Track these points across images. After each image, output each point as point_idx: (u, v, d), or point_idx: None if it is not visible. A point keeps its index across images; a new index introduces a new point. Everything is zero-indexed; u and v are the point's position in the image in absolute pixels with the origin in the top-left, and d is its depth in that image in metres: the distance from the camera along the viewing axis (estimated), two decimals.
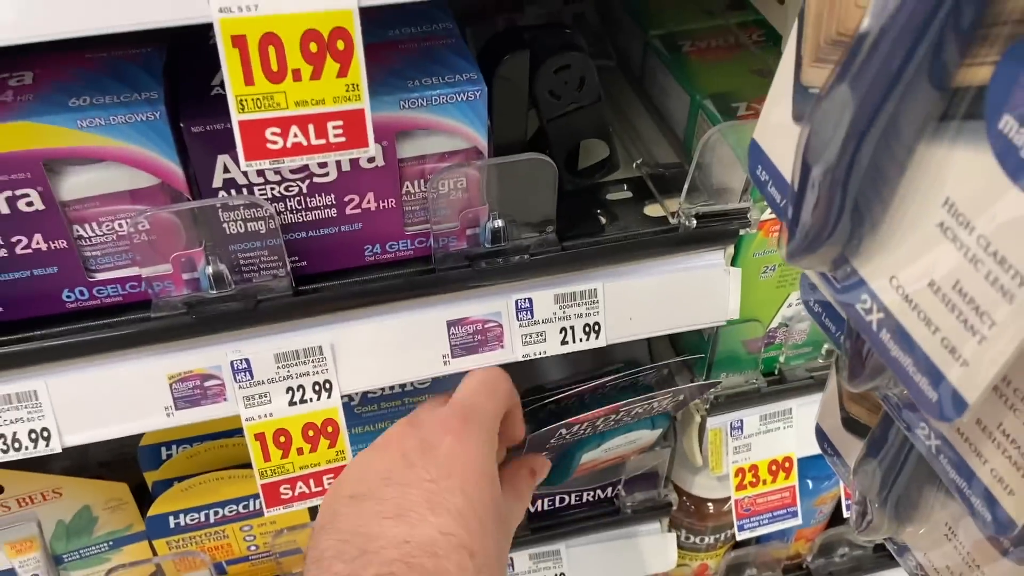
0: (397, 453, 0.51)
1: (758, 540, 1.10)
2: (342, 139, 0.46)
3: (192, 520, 0.76)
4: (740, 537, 0.84)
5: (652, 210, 0.67)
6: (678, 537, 1.00)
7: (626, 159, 0.72)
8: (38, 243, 0.54)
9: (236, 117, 0.44)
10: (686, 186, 0.64)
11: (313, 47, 0.43)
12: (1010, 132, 0.30)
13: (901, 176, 0.36)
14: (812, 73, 0.41)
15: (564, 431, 0.65)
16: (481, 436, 0.53)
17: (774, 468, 0.81)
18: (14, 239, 0.53)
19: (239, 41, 0.42)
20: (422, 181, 0.59)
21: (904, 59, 0.32)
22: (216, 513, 0.77)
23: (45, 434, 0.59)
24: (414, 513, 0.46)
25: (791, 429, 0.81)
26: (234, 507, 0.77)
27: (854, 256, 0.39)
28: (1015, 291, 0.30)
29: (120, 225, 0.55)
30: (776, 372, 0.80)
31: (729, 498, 0.84)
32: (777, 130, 0.43)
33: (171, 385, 0.60)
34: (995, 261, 0.31)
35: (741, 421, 0.79)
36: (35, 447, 0.60)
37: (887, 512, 0.52)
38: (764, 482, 0.81)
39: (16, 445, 0.59)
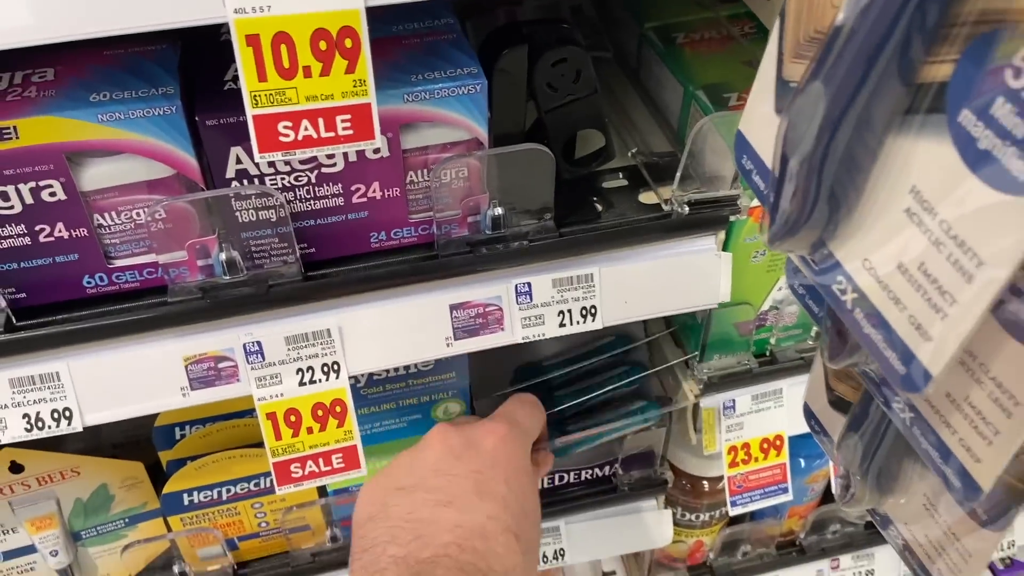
0: (443, 448, 0.56)
1: (752, 517, 1.13)
2: (350, 132, 0.49)
3: (205, 497, 0.79)
4: (733, 513, 0.87)
5: (646, 197, 0.69)
6: (674, 514, 1.03)
7: (622, 148, 0.74)
8: (60, 231, 0.56)
9: (250, 111, 0.47)
10: (678, 174, 0.66)
11: (323, 45, 0.46)
12: (969, 125, 0.32)
13: (873, 165, 0.39)
14: (792, 68, 0.43)
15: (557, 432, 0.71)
16: (521, 440, 0.60)
17: (765, 446, 0.84)
18: (37, 228, 0.56)
19: (253, 40, 0.44)
20: (425, 171, 0.61)
21: (872, 57, 0.35)
22: (228, 491, 0.80)
23: (67, 414, 0.62)
24: (463, 499, 0.50)
25: (782, 408, 0.84)
26: (245, 485, 0.80)
27: (831, 240, 0.41)
28: (974, 272, 0.33)
29: (138, 214, 0.57)
30: (767, 353, 0.83)
31: (723, 476, 0.87)
32: (761, 121, 0.46)
33: (187, 367, 0.63)
34: (956, 244, 0.34)
35: (733, 401, 0.82)
36: (57, 426, 0.63)
37: (868, 484, 0.54)
38: (756, 459, 0.84)
39: (40, 424, 0.62)
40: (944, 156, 0.34)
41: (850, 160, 0.39)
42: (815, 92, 0.37)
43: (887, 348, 0.39)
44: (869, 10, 0.34)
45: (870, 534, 1.14)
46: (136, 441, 0.88)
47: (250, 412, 0.79)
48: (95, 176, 0.55)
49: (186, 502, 0.79)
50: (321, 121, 0.48)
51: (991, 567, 1.41)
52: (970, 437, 0.40)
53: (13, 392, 0.61)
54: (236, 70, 0.46)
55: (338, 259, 0.63)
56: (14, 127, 0.51)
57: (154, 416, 0.82)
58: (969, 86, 0.33)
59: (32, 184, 0.54)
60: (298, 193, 0.59)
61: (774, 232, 0.42)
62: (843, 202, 0.41)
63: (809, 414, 0.60)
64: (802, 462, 1.00)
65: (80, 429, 0.62)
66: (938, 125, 0.35)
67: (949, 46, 0.34)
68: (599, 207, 0.68)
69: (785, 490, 0.87)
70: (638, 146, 0.75)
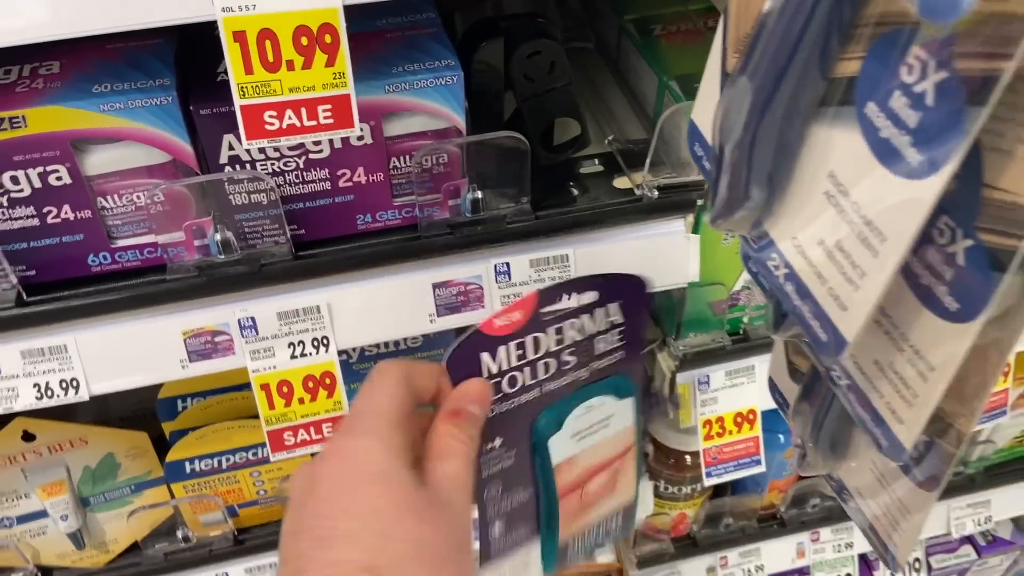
0: (293, 501, 0.46)
1: (734, 490, 1.17)
2: (331, 120, 0.53)
3: (206, 466, 0.84)
4: (708, 483, 0.91)
5: (620, 182, 0.73)
6: (657, 487, 1.07)
7: (601, 135, 0.78)
8: (66, 213, 0.61)
9: (238, 102, 0.51)
10: (648, 160, 0.70)
11: (304, 41, 0.49)
12: (873, 116, 0.36)
13: (799, 152, 0.42)
14: (734, 62, 0.47)
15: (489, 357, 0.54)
16: (365, 440, 0.46)
17: (739, 420, 0.88)
18: (45, 210, 0.60)
19: (239, 36, 0.48)
20: (407, 157, 0.65)
21: (790, 55, 0.39)
22: (227, 460, 0.84)
23: (75, 383, 0.66)
24: (304, 559, 0.43)
25: (754, 384, 0.88)
26: (244, 454, 0.84)
27: (766, 220, 0.45)
28: (879, 247, 0.37)
29: (138, 197, 0.62)
30: (741, 332, 0.87)
31: None
32: (710, 112, 0.50)
33: (185, 340, 0.67)
34: (864, 223, 0.38)
35: (708, 376, 0.86)
36: (65, 395, 0.67)
37: (821, 450, 0.58)
38: (730, 432, 0.88)
39: (49, 393, 0.67)
40: (855, 144, 0.38)
41: (781, 147, 0.43)
42: (742, 85, 0.41)
43: (812, 318, 0.43)
44: (784, 12, 0.38)
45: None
46: (142, 415, 0.93)
47: (247, 386, 0.83)
48: (98, 162, 0.59)
49: (188, 470, 0.84)
50: (304, 111, 0.52)
51: (974, 545, 1.46)
52: (894, 400, 0.43)
53: (24, 363, 0.65)
54: (223, 54, 0.50)
55: (327, 240, 0.67)
56: (23, 116, 0.56)
57: (157, 390, 0.86)
58: (873, 81, 0.37)
59: (40, 169, 0.58)
60: (287, 177, 0.63)
61: (714, 214, 0.46)
62: (778, 185, 0.44)
63: (773, 387, 0.64)
64: (781, 437, 1.04)
65: (87, 398, 0.67)
66: (850, 116, 0.38)
67: (856, 44, 0.38)
68: (575, 191, 0.72)
69: (758, 462, 0.91)
70: (615, 133, 0.78)
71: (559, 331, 0.54)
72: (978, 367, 0.41)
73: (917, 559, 1.28)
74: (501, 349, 0.52)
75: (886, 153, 0.36)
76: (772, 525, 1.17)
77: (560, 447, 0.58)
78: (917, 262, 0.39)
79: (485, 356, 0.52)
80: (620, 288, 0.57)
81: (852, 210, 0.39)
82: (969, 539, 1.45)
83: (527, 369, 0.54)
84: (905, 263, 0.37)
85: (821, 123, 0.40)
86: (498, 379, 0.53)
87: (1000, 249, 0.35)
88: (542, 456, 0.58)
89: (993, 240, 0.35)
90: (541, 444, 0.57)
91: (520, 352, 0.53)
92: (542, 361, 0.54)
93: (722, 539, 1.14)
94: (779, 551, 1.20)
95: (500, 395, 0.54)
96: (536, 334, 0.53)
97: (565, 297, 0.54)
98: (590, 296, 0.55)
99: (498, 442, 0.55)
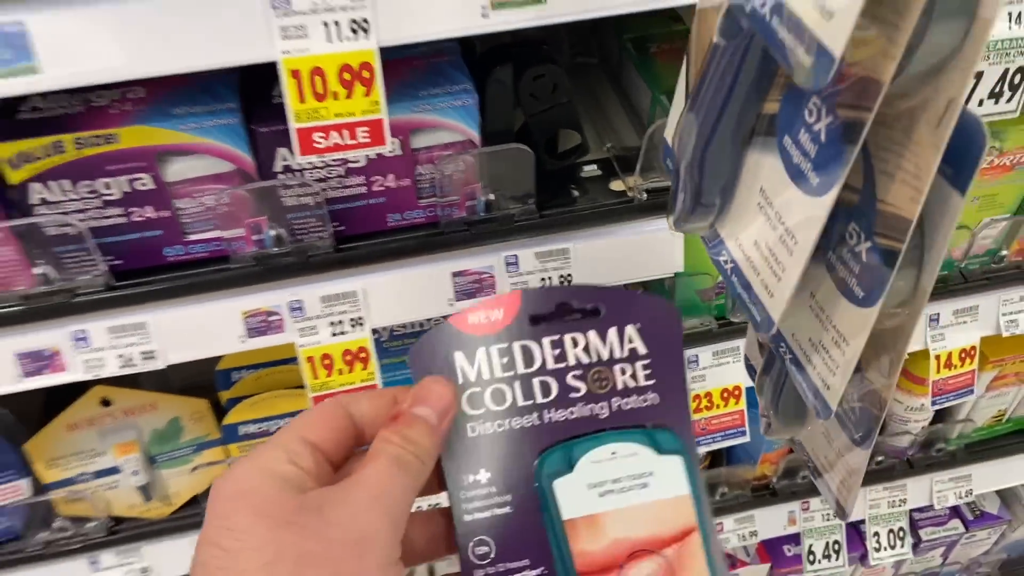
0: (199, 552, 0.41)
1: (728, 461, 1.27)
2: (368, 140, 0.64)
3: (257, 429, 0.96)
4: (699, 451, 1.02)
5: (616, 185, 0.84)
6: None
7: (600, 143, 0.89)
8: (149, 213, 0.73)
9: (293, 126, 0.63)
10: (638, 166, 0.81)
11: (347, 76, 0.61)
12: (788, 147, 0.47)
13: (741, 170, 0.53)
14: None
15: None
16: (248, 460, 0.41)
17: (725, 395, 0.99)
18: (131, 210, 0.73)
19: (295, 73, 0.60)
20: (431, 165, 0.77)
21: (725, 97, 0.50)
22: (276, 424, 0.97)
23: (152, 355, 0.79)
24: None
25: (739, 363, 0.98)
26: (291, 419, 0.97)
27: (719, 224, 0.56)
28: (792, 246, 0.48)
29: (207, 200, 0.74)
30: (727, 316, 0.98)
31: None
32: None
33: (244, 319, 0.80)
34: (783, 227, 0.48)
35: (696, 356, 0.96)
36: (144, 364, 0.80)
37: (780, 418, 0.69)
38: (717, 406, 0.99)
39: (131, 363, 0.80)
40: (777, 167, 0.49)
41: (723, 167, 0.54)
42: (690, 119, 0.52)
43: (751, 304, 0.54)
44: (720, 64, 0.49)
45: None
46: (199, 385, 1.05)
47: (294, 360, 0.95)
48: (176, 171, 0.72)
49: (241, 432, 0.96)
50: (346, 132, 0.64)
51: (962, 519, 1.55)
52: (823, 371, 0.54)
53: (111, 337, 0.78)
54: (281, 90, 0.62)
55: (363, 235, 0.80)
56: (116, 134, 0.68)
57: (212, 363, 0.99)
58: (788, 119, 0.48)
59: (128, 177, 0.70)
60: (330, 183, 0.75)
61: (673, 219, 0.57)
62: (729, 196, 0.55)
63: (747, 363, 0.74)
64: None
65: (163, 367, 0.80)
66: (773, 145, 0.49)
67: (776, 90, 0.49)
68: (575, 193, 0.83)
69: (743, 433, 1.02)
70: (612, 141, 0.89)
71: (558, 345, 0.47)
72: (891, 346, 0.51)
73: (901, 528, 1.38)
74: (480, 352, 0.46)
75: (796, 175, 0.47)
76: (765, 494, 1.26)
77: (574, 496, 0.46)
78: (836, 259, 0.50)
79: (459, 357, 0.46)
80: (635, 308, 0.50)
81: (775, 218, 0.50)
82: (958, 513, 1.54)
83: (518, 385, 0.46)
84: (829, 260, 0.48)
85: (754, 148, 0.51)
86: (477, 389, 0.46)
87: (890, 250, 0.46)
88: (546, 502, 0.46)
89: (885, 242, 0.46)
90: (545, 485, 0.46)
91: (506, 361, 0.46)
92: (539, 379, 0.47)
93: (717, 507, 1.24)
94: (772, 519, 1.29)
95: (482, 410, 0.46)
96: (526, 342, 0.47)
97: (556, 303, 0.48)
98: (594, 316, 0.49)
99: (484, 476, 0.45)
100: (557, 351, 0.47)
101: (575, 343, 0.48)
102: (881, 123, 0.43)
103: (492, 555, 0.45)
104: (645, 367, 0.49)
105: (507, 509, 0.45)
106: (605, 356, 0.48)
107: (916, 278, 0.48)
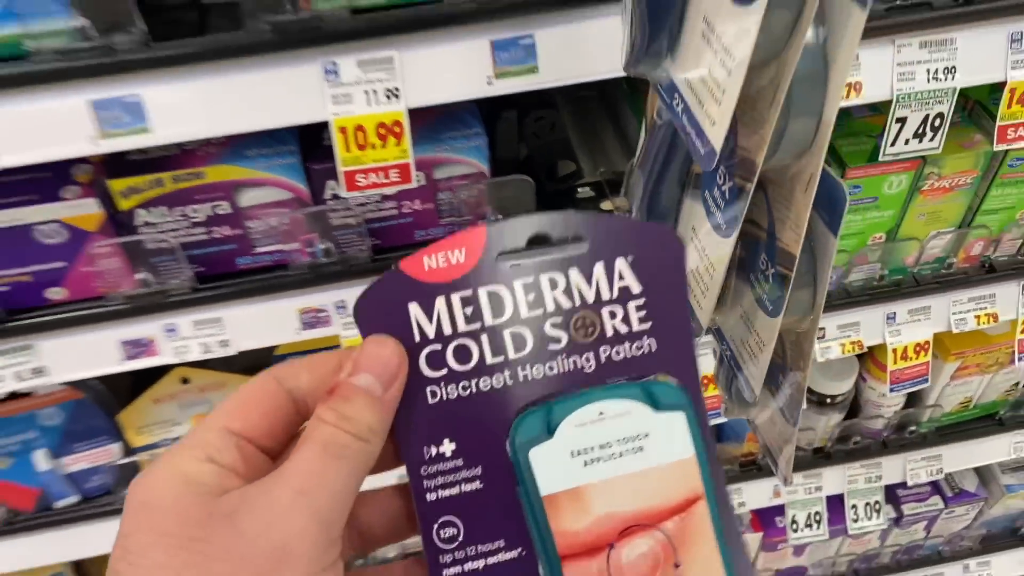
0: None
1: (718, 440, 1.44)
2: (398, 179, 0.82)
3: None
4: None
5: (606, 205, 1.01)
6: None
7: (595, 169, 1.06)
8: (226, 231, 0.92)
9: (340, 169, 0.81)
10: (623, 189, 0.97)
11: (382, 131, 0.79)
12: (707, 199, 0.64)
13: (680, 210, 0.70)
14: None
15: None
16: (173, 462, 0.36)
17: (705, 381, 1.15)
18: (212, 229, 0.91)
19: (343, 130, 0.78)
20: (450, 192, 0.94)
21: (663, 166, 0.66)
22: None
23: (227, 343, 0.98)
24: None
25: None
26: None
27: None
28: (713, 273, 0.64)
29: (272, 221, 0.92)
30: None
31: None
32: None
33: (299, 315, 0.98)
34: (708, 260, 0.65)
35: None
36: (220, 351, 0.99)
37: (734, 401, 0.85)
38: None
39: (210, 350, 0.99)
40: (702, 213, 0.65)
41: (666, 208, 0.70)
42: (637, 175, 0.69)
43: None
44: (656, 137, 0.66)
45: (817, 457, 1.44)
46: (260, 367, 1.24)
47: (336, 347, 1.14)
48: (248, 199, 0.90)
49: None
50: (381, 173, 0.81)
51: (942, 495, 1.69)
52: (750, 364, 0.70)
53: (195, 329, 0.97)
54: (330, 137, 0.80)
55: (395, 247, 0.97)
56: (203, 172, 0.86)
57: (273, 348, 1.18)
58: (708, 179, 0.64)
59: (211, 204, 0.89)
60: (368, 207, 0.93)
61: None
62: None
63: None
64: None
65: (235, 353, 0.98)
66: (699, 196, 0.66)
67: None
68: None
69: (719, 414, 1.18)
70: (605, 166, 1.06)
71: (532, 289, 0.39)
72: (801, 347, 0.67)
73: (877, 501, 1.53)
74: (439, 301, 0.38)
75: (712, 220, 0.63)
76: (752, 470, 1.41)
77: (554, 467, 0.39)
78: (755, 280, 0.66)
79: (414, 309, 0.38)
80: (626, 237, 0.41)
81: (700, 250, 0.66)
82: (938, 490, 1.68)
83: (485, 338, 0.39)
84: (751, 280, 0.64)
85: (687, 196, 0.68)
86: (437, 346, 0.39)
87: (785, 275, 0.62)
88: (521, 474, 0.39)
89: (782, 270, 0.62)
90: (520, 455, 0.39)
91: (471, 311, 0.39)
92: (510, 330, 0.39)
93: None
94: (758, 491, 1.44)
95: (444, 371, 0.39)
96: (493, 287, 0.39)
97: (529, 236, 0.40)
98: (576, 250, 0.40)
99: (448, 447, 0.39)
100: (532, 296, 0.39)
101: (553, 284, 0.40)
102: (777, 183, 0.59)
103: (460, 538, 0.39)
104: (639, 308, 0.41)
105: (476, 484, 0.39)
106: (591, 298, 0.40)
107: (813, 295, 0.64)
